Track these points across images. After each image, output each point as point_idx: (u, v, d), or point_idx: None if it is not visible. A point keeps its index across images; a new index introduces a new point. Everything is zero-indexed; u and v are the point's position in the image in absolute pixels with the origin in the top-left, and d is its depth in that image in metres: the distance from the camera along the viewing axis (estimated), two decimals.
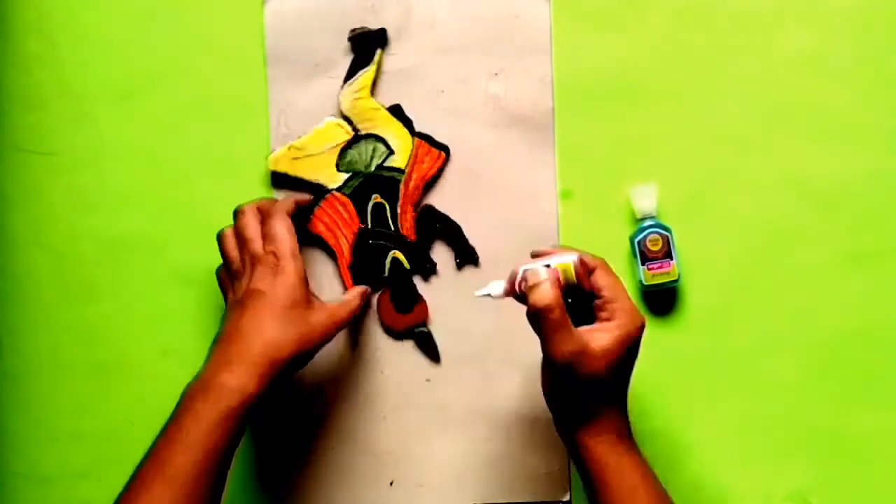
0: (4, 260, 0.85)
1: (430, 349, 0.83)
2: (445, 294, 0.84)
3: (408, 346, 0.84)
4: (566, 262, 0.72)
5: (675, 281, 0.80)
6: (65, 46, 0.85)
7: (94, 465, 0.84)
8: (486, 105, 0.83)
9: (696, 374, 0.83)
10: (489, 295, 0.74)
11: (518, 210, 0.83)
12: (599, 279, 0.72)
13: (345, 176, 0.83)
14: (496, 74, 0.83)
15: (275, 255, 0.75)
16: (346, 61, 0.83)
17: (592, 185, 0.83)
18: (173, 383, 0.83)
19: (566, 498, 0.83)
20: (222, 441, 0.71)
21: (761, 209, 0.83)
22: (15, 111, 0.85)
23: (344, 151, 0.83)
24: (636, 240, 0.81)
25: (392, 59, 0.83)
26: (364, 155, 0.83)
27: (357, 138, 0.83)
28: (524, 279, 0.72)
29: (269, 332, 0.73)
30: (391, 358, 0.84)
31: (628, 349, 0.71)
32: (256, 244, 0.77)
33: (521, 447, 0.83)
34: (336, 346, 0.84)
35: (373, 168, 0.83)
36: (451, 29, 0.83)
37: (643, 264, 0.80)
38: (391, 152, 0.83)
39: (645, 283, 0.81)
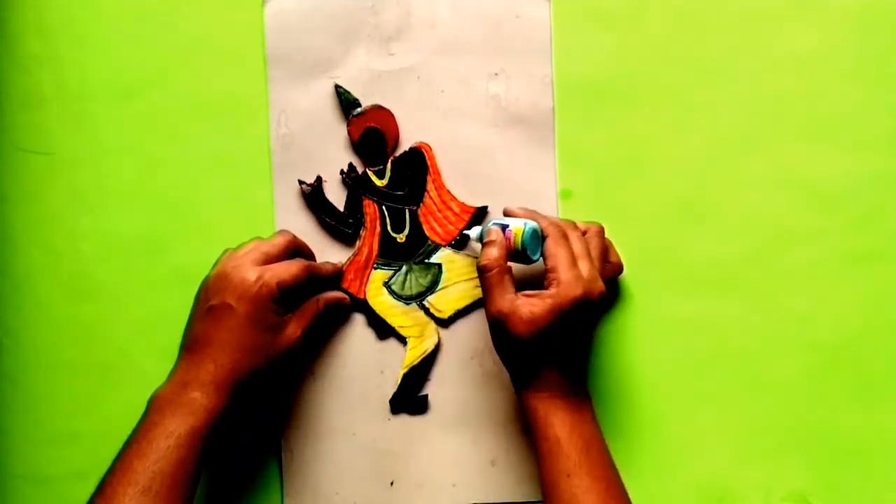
0: (4, 260, 0.85)
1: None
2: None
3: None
4: (519, 226, 0.76)
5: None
6: (64, 46, 0.85)
7: (94, 465, 0.83)
8: (486, 105, 0.83)
9: (696, 374, 0.82)
10: (468, 236, 0.81)
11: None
12: (548, 247, 0.76)
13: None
14: (496, 74, 0.83)
15: (262, 281, 0.76)
16: (346, 61, 0.83)
17: (592, 185, 0.83)
18: None
19: None
20: (192, 456, 0.73)
21: (761, 209, 0.83)
22: (14, 111, 0.84)
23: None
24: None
25: (392, 59, 0.83)
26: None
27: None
28: (486, 233, 0.77)
29: (236, 353, 0.75)
30: (391, 358, 0.84)
31: (559, 317, 0.72)
32: (250, 262, 0.77)
33: (520, 447, 0.83)
34: (336, 346, 0.84)
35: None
36: (451, 29, 0.83)
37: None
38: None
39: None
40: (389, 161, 0.84)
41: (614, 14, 0.83)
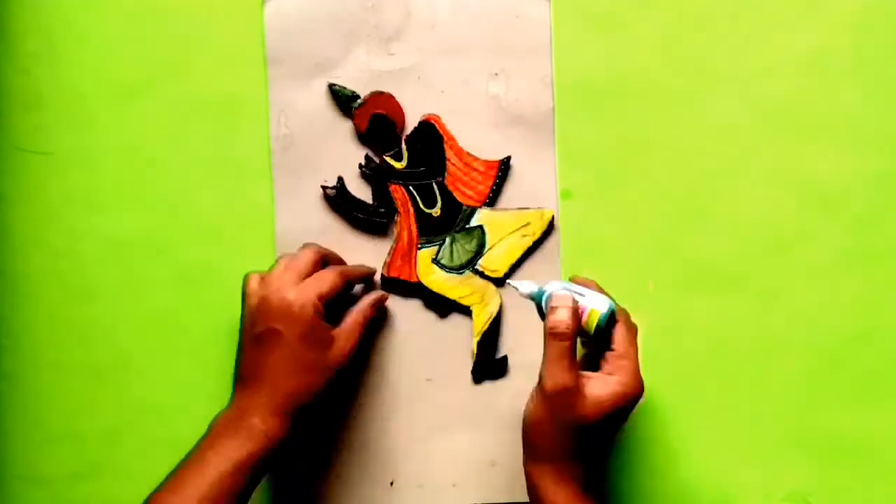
0: (4, 260, 0.84)
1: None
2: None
3: (408, 346, 0.84)
4: (596, 308, 0.72)
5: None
6: (64, 46, 0.85)
7: (94, 465, 0.84)
8: (486, 105, 0.83)
9: (696, 374, 0.83)
10: (517, 288, 0.76)
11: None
12: (618, 334, 0.73)
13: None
14: (496, 74, 0.83)
15: (303, 297, 0.75)
16: (346, 61, 0.83)
17: (592, 185, 0.83)
18: (173, 384, 0.83)
19: None
20: (246, 482, 0.72)
21: (761, 209, 0.83)
22: (14, 111, 0.84)
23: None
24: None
25: (392, 59, 0.83)
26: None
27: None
28: (551, 297, 0.73)
29: (290, 376, 0.74)
30: (391, 357, 0.84)
31: (619, 409, 0.71)
32: (290, 282, 0.76)
33: (521, 447, 0.83)
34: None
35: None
36: (451, 29, 0.83)
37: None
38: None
39: None
40: (403, 142, 0.83)
41: (614, 14, 0.83)
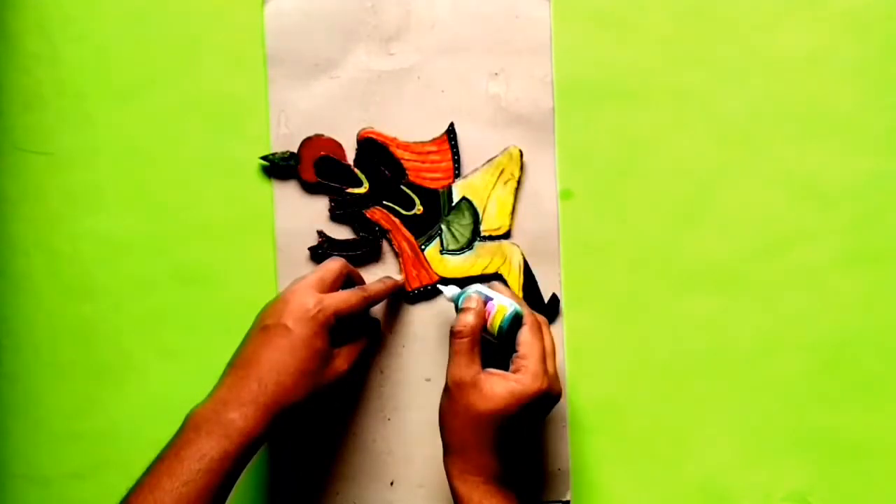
0: (4, 260, 0.84)
1: None
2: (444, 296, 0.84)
3: (408, 346, 0.84)
4: (505, 306, 0.77)
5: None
6: (64, 46, 0.85)
7: (94, 465, 0.84)
8: (486, 105, 0.83)
9: (696, 374, 0.83)
10: (443, 292, 0.82)
11: (518, 210, 0.83)
12: (522, 335, 0.77)
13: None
14: (496, 74, 0.83)
15: (322, 306, 0.75)
16: (346, 61, 0.83)
17: (592, 185, 0.83)
18: (173, 384, 0.83)
19: (567, 498, 0.83)
20: (222, 480, 0.71)
21: (761, 209, 0.83)
22: (14, 111, 0.84)
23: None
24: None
25: (392, 59, 0.84)
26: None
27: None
28: (464, 299, 0.78)
29: (284, 376, 0.73)
30: (391, 358, 0.84)
31: (519, 407, 0.74)
32: (312, 288, 0.77)
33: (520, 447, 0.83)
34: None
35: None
36: (451, 29, 0.83)
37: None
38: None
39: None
40: (353, 168, 0.84)
41: (614, 14, 0.83)
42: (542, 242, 0.83)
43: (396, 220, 0.84)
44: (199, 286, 0.84)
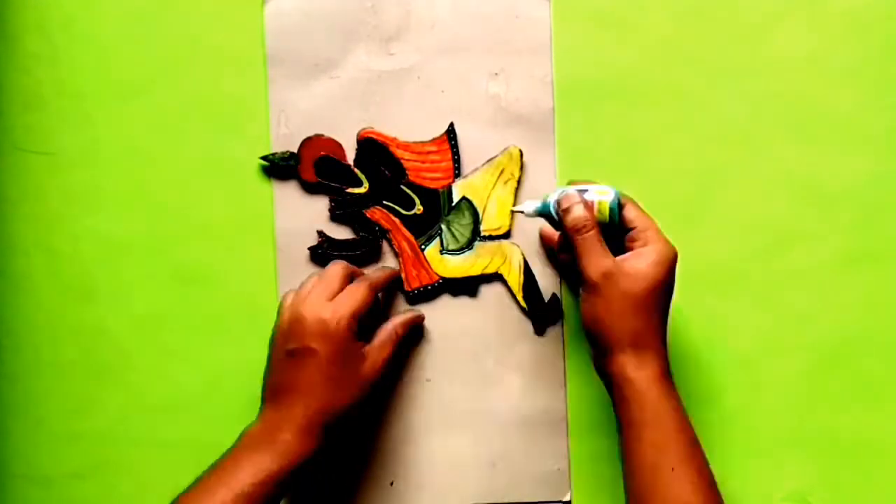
0: (4, 260, 0.84)
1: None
2: (444, 296, 0.84)
3: (408, 346, 0.84)
4: (603, 199, 0.74)
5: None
6: (64, 46, 0.85)
7: (94, 465, 0.84)
8: (486, 105, 0.83)
9: (696, 374, 0.82)
10: (522, 211, 0.78)
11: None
12: (629, 213, 0.75)
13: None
14: (496, 74, 0.83)
15: (337, 315, 0.75)
16: (346, 61, 0.83)
17: None
18: (173, 383, 0.83)
19: (567, 498, 0.83)
20: (273, 493, 0.72)
21: (761, 209, 0.83)
22: (14, 111, 0.84)
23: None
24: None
25: (392, 59, 0.84)
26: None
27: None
28: (558, 202, 0.75)
29: (324, 392, 0.74)
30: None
31: (668, 273, 0.72)
32: (322, 299, 0.76)
33: (521, 447, 0.83)
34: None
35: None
36: (451, 29, 0.83)
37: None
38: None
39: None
40: (353, 168, 0.84)
41: (614, 14, 0.83)
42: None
43: (396, 220, 0.84)
44: (199, 286, 0.84)
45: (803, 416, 0.82)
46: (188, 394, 0.84)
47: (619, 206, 0.74)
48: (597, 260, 0.72)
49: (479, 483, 0.83)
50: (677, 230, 0.81)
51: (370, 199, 0.84)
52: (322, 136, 0.83)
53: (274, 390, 0.75)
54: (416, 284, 0.84)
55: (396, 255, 0.84)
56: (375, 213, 0.84)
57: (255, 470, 0.71)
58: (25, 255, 0.84)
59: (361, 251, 0.83)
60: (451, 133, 0.83)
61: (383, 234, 0.84)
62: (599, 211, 0.74)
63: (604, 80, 0.83)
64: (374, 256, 0.84)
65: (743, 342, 0.83)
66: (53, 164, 0.84)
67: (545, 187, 0.83)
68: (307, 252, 0.84)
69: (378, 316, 0.81)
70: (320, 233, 0.84)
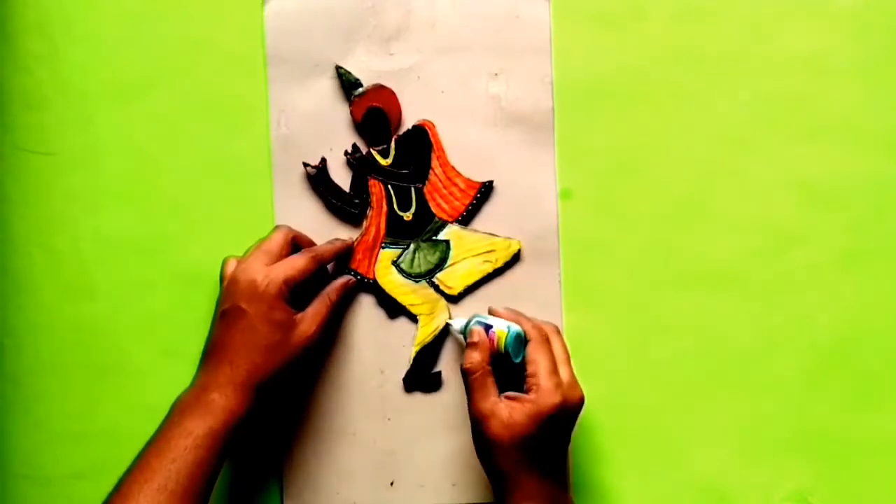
0: (4, 260, 0.85)
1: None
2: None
3: (408, 346, 0.84)
4: (502, 329, 0.77)
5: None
6: (65, 46, 0.85)
7: (94, 465, 0.84)
8: (486, 105, 0.83)
9: (695, 375, 0.83)
10: (451, 325, 0.83)
11: (518, 210, 0.83)
12: (530, 353, 0.77)
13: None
14: (496, 74, 0.83)
15: (270, 278, 0.77)
16: (346, 61, 0.83)
17: (592, 185, 0.83)
18: (173, 383, 0.83)
19: None
20: (209, 456, 0.73)
21: (761, 209, 0.83)
22: (15, 111, 0.84)
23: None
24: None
25: (392, 59, 0.84)
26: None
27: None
28: (470, 333, 0.78)
29: (252, 353, 0.76)
30: (392, 358, 0.84)
31: (538, 423, 0.73)
32: (259, 262, 0.78)
33: None
34: (336, 347, 0.84)
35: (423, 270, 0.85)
36: (451, 29, 0.83)
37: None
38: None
39: None
40: (393, 140, 0.84)
41: (614, 14, 0.83)
42: (541, 242, 0.83)
43: (385, 208, 0.84)
44: (200, 286, 0.84)
45: (803, 416, 0.82)
46: None
47: (517, 344, 0.77)
48: (476, 403, 0.75)
49: (479, 483, 0.83)
50: (677, 230, 0.82)
51: (383, 173, 0.84)
52: (394, 94, 0.83)
53: (207, 350, 0.78)
54: (353, 266, 0.84)
55: (361, 233, 0.84)
56: (375, 186, 0.84)
57: (185, 433, 0.73)
58: (26, 255, 0.85)
59: (339, 204, 0.83)
60: (486, 188, 0.83)
61: (366, 206, 0.84)
62: (497, 343, 0.77)
63: (603, 80, 0.83)
64: (348, 218, 0.84)
65: (743, 342, 0.83)
66: (54, 163, 0.85)
67: (545, 187, 0.83)
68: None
69: (318, 286, 0.81)
70: (322, 159, 0.84)
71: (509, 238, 0.83)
